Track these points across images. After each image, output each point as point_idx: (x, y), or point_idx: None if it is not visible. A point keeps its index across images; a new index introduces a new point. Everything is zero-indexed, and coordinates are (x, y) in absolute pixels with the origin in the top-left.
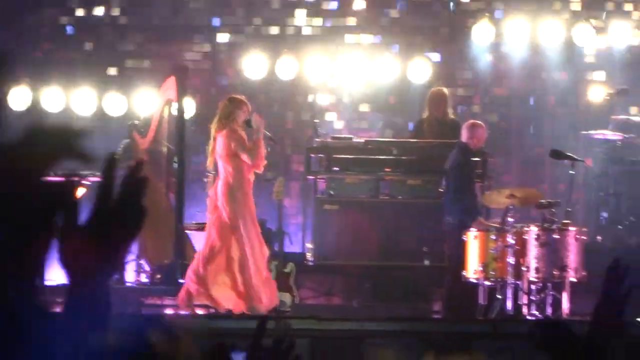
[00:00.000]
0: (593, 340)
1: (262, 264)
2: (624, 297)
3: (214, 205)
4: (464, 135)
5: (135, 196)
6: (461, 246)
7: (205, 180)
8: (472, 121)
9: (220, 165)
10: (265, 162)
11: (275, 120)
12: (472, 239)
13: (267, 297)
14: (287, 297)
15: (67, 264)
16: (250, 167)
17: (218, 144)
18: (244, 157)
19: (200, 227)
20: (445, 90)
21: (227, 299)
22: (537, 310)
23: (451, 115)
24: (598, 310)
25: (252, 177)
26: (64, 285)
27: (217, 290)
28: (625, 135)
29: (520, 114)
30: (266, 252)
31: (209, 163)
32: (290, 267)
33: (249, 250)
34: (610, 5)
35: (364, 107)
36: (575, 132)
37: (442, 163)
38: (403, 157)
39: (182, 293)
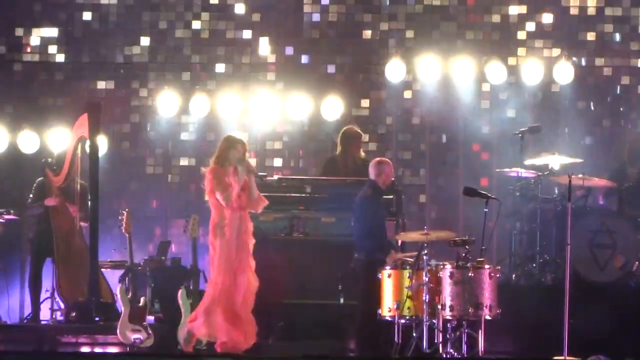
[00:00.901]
0: None
1: (239, 302)
2: None
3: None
4: (372, 173)
5: None
6: (373, 283)
7: (120, 217)
8: (378, 159)
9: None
10: (265, 202)
11: (190, 160)
12: (387, 277)
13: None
14: None
15: None
16: (237, 204)
17: (205, 181)
18: (219, 196)
19: (116, 265)
20: (358, 129)
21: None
22: (452, 348)
23: (362, 154)
24: None
25: (240, 214)
26: None
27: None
28: (538, 173)
29: (434, 151)
30: (251, 288)
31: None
32: None
33: (224, 286)
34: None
35: (278, 145)
36: (489, 170)
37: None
38: (316, 195)
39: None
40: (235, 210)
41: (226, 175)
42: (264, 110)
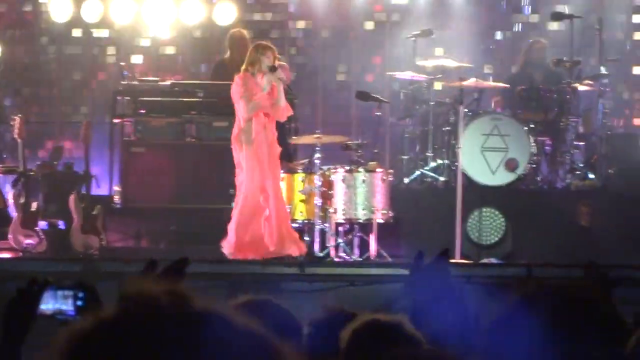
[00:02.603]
0: None
1: (265, 213)
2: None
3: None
4: None
5: None
6: None
7: (12, 123)
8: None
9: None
10: (290, 112)
11: (81, 64)
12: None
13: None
14: (94, 240)
15: None
16: (262, 113)
17: (233, 86)
18: (242, 105)
19: (8, 170)
20: (245, 32)
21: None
22: (344, 252)
23: None
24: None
25: (267, 122)
26: None
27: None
28: (430, 77)
29: (326, 56)
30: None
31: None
32: (97, 209)
33: (250, 197)
34: None
35: (170, 50)
36: (381, 74)
37: None
38: (209, 99)
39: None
40: (259, 118)
41: (255, 83)
42: (157, 14)
